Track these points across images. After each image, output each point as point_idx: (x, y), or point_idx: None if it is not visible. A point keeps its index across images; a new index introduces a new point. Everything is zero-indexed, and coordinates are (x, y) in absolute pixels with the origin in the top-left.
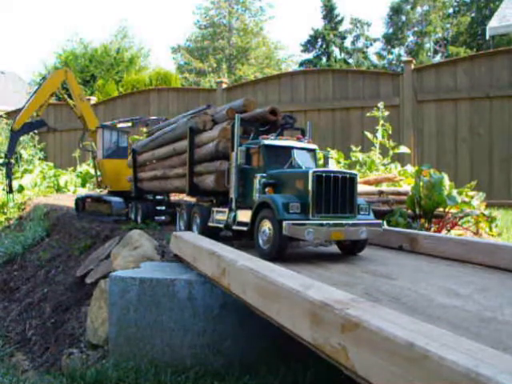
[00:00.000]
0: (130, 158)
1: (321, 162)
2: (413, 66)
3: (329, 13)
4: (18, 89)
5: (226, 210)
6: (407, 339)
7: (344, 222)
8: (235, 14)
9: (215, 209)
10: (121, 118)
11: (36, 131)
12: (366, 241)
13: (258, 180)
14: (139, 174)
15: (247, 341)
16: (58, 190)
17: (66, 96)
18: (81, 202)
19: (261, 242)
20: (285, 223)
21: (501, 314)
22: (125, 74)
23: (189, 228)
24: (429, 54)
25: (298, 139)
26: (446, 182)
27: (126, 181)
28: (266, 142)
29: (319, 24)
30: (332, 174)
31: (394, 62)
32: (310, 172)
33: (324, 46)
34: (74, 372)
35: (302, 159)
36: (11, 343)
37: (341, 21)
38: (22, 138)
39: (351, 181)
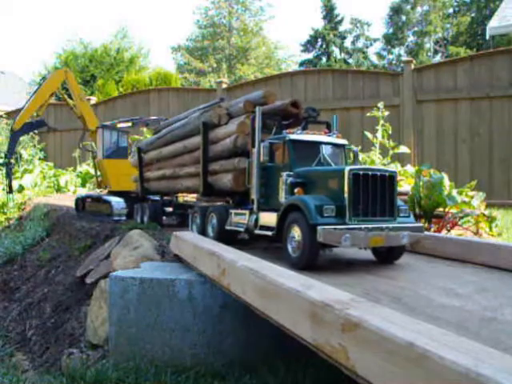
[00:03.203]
0: (130, 156)
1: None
2: (413, 66)
3: (329, 13)
4: (18, 89)
5: (246, 212)
6: (407, 339)
7: (384, 225)
8: (235, 13)
9: (233, 211)
10: (121, 117)
11: (36, 131)
12: (404, 247)
13: (284, 179)
14: (145, 174)
15: (247, 341)
16: (58, 190)
17: (66, 96)
18: (81, 201)
19: (290, 249)
20: (319, 228)
21: (501, 313)
22: (125, 74)
23: (203, 231)
24: (429, 53)
25: (326, 134)
26: (446, 182)
27: (126, 181)
28: (292, 136)
29: (319, 24)
30: (370, 172)
31: (394, 62)
32: (347, 170)
33: (324, 46)
34: (74, 372)
35: (331, 156)
36: (11, 343)
37: (341, 21)
38: (21, 138)
39: (391, 179)
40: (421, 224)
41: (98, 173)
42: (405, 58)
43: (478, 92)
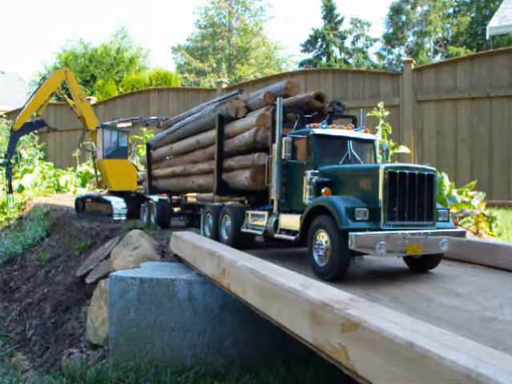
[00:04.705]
0: (130, 157)
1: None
2: (413, 66)
3: (329, 13)
4: (18, 89)
5: (265, 213)
6: (407, 339)
7: (422, 231)
8: (235, 13)
9: (250, 212)
10: (121, 118)
11: (36, 131)
12: (442, 254)
13: (308, 178)
14: (154, 171)
15: (247, 341)
16: (58, 190)
17: (65, 96)
18: (81, 201)
19: (316, 257)
20: (352, 234)
21: (501, 313)
22: (125, 74)
23: (216, 234)
24: (429, 53)
25: (353, 129)
26: (446, 182)
27: (126, 181)
28: (317, 131)
29: (319, 24)
30: (407, 171)
31: (394, 62)
32: (382, 168)
33: (324, 46)
34: (74, 372)
35: (359, 152)
36: (11, 343)
37: (341, 21)
38: (21, 138)
39: (430, 179)
40: (463, 229)
41: (98, 173)
42: (405, 58)
43: (478, 92)
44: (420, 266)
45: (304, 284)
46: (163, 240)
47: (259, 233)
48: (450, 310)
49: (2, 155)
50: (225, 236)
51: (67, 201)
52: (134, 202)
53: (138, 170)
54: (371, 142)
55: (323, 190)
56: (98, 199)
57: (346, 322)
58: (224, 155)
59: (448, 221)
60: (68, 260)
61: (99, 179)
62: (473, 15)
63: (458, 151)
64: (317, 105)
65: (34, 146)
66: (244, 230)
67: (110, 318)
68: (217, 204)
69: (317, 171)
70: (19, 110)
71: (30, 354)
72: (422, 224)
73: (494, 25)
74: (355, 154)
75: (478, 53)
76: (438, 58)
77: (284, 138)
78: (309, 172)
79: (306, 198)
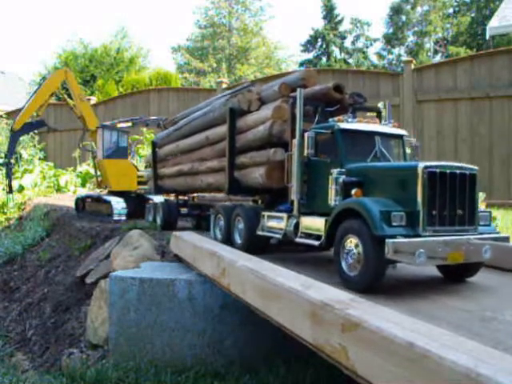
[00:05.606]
0: (130, 157)
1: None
2: (413, 66)
3: (329, 13)
4: (18, 89)
5: (284, 215)
6: (407, 339)
7: (464, 237)
8: (235, 13)
9: (267, 213)
10: (121, 118)
11: (36, 131)
12: (482, 262)
13: (334, 177)
14: (160, 170)
15: (247, 341)
16: (58, 190)
17: (65, 96)
18: (81, 201)
19: (345, 266)
20: (389, 241)
21: (501, 314)
22: (125, 74)
23: (227, 237)
24: (429, 53)
25: (379, 123)
26: None
27: (126, 181)
28: (343, 125)
29: (319, 24)
30: (448, 171)
31: (394, 62)
32: (420, 167)
33: (324, 46)
34: (74, 372)
35: (387, 149)
36: (11, 343)
37: (341, 21)
38: (21, 138)
39: (472, 179)
40: (507, 235)
41: (98, 173)
42: (405, 58)
43: (478, 92)
44: (457, 274)
45: (304, 284)
46: (163, 240)
47: (278, 236)
48: (451, 310)
49: (2, 155)
50: (238, 240)
51: (67, 201)
52: (134, 202)
53: (137, 170)
54: (400, 137)
55: (353, 191)
56: (98, 199)
57: (346, 322)
58: (236, 151)
59: (490, 225)
60: (68, 260)
61: (99, 179)
62: (473, 15)
63: (458, 151)
64: (336, 96)
65: (34, 145)
66: (260, 232)
67: (110, 318)
68: (228, 204)
69: (343, 170)
70: (19, 110)
71: (30, 354)
72: (464, 229)
73: (494, 25)
74: (384, 150)
75: (478, 53)
76: (437, 58)
77: (306, 134)
78: (335, 171)
79: (332, 199)
